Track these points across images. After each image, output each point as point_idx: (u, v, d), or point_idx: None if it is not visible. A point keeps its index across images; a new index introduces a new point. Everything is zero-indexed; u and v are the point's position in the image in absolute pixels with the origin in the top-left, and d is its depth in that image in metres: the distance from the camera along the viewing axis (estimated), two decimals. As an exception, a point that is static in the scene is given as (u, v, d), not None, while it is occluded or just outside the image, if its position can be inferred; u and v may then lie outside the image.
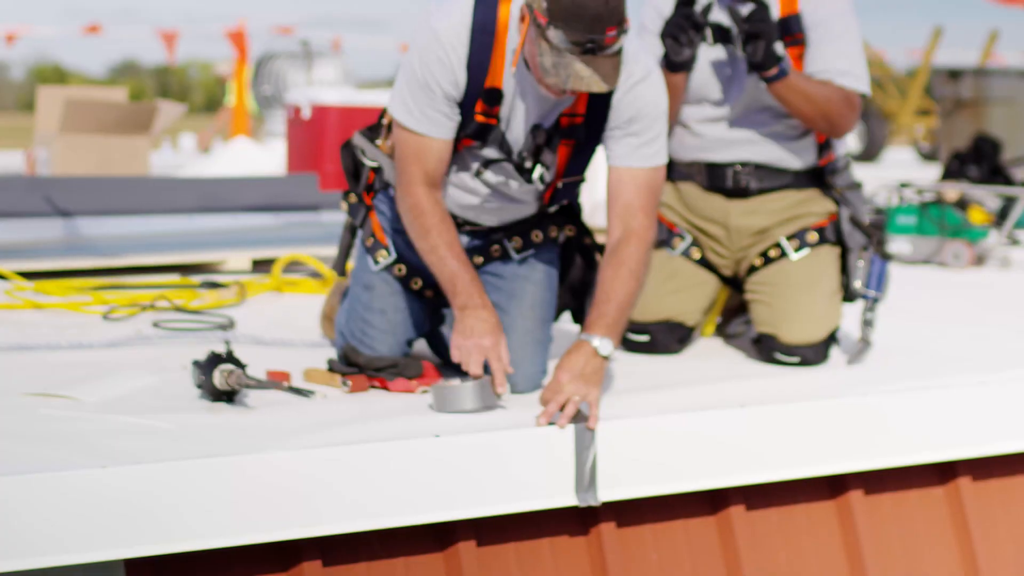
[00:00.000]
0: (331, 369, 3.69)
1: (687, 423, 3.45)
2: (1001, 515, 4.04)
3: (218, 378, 3.35)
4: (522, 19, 3.30)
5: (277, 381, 3.46)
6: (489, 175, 3.58)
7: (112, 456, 2.88)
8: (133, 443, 3.00)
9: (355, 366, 3.67)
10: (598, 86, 3.22)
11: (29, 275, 5.30)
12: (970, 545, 3.94)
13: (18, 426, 3.14)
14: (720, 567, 3.60)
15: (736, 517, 3.60)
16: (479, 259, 3.73)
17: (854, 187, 4.26)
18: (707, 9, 4.04)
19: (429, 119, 3.42)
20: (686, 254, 4.29)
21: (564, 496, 3.26)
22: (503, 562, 3.32)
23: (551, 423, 3.25)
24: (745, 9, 3.99)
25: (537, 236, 3.73)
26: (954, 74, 10.78)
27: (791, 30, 4.10)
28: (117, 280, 5.35)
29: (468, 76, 3.39)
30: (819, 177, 4.24)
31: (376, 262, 3.70)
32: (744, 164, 4.21)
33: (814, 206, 4.23)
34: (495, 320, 3.39)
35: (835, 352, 4.21)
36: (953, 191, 7.46)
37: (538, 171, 3.55)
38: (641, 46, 3.49)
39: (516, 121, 3.50)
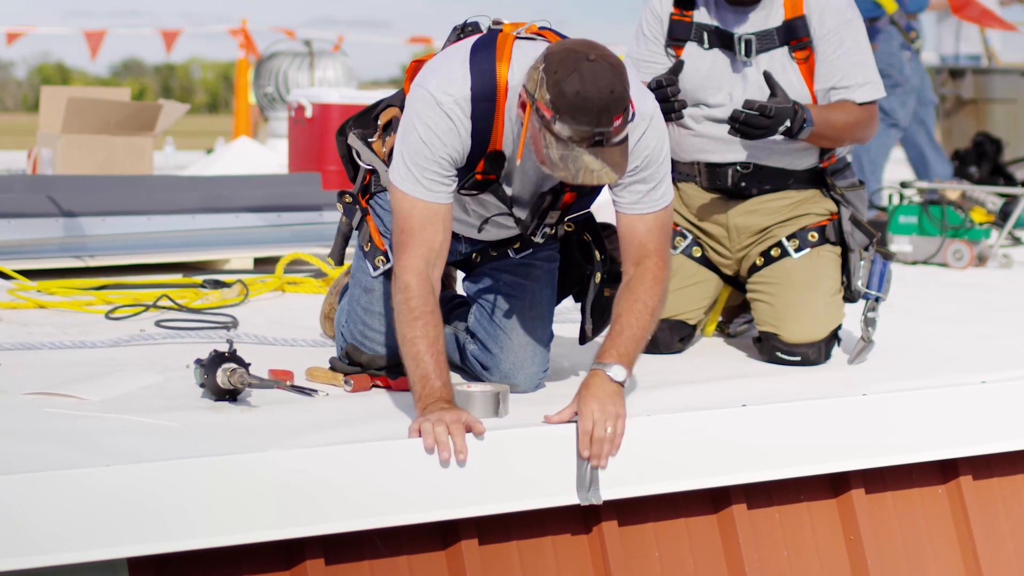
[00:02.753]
0: (333, 368, 3.70)
1: (689, 422, 3.46)
2: (1002, 513, 4.04)
3: (221, 377, 3.36)
4: (522, 106, 3.21)
5: (280, 380, 3.46)
6: (490, 228, 3.59)
7: (115, 455, 2.89)
8: (136, 442, 3.01)
9: (357, 365, 3.67)
10: (609, 177, 3.14)
11: (32, 274, 5.31)
12: (971, 543, 3.94)
13: (21, 425, 3.15)
14: (722, 565, 3.60)
15: (738, 515, 3.60)
16: (477, 257, 3.73)
17: (855, 187, 4.27)
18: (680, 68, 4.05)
19: (438, 184, 3.31)
20: (687, 253, 4.30)
21: (566, 495, 3.26)
22: (506, 560, 3.33)
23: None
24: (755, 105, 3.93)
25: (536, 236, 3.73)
26: (955, 73, 10.76)
27: (797, 34, 4.10)
28: (120, 279, 5.36)
29: (472, 142, 3.33)
30: (820, 178, 4.25)
31: (375, 267, 3.67)
32: (744, 165, 4.21)
33: (814, 206, 4.24)
34: (458, 410, 3.19)
35: (837, 351, 4.21)
36: (954, 190, 7.47)
37: (541, 231, 3.58)
38: (641, 92, 3.39)
39: (516, 180, 3.47)
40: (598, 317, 3.73)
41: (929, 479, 3.95)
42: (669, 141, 3.45)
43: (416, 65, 3.55)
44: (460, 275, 4.06)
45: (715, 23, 4.15)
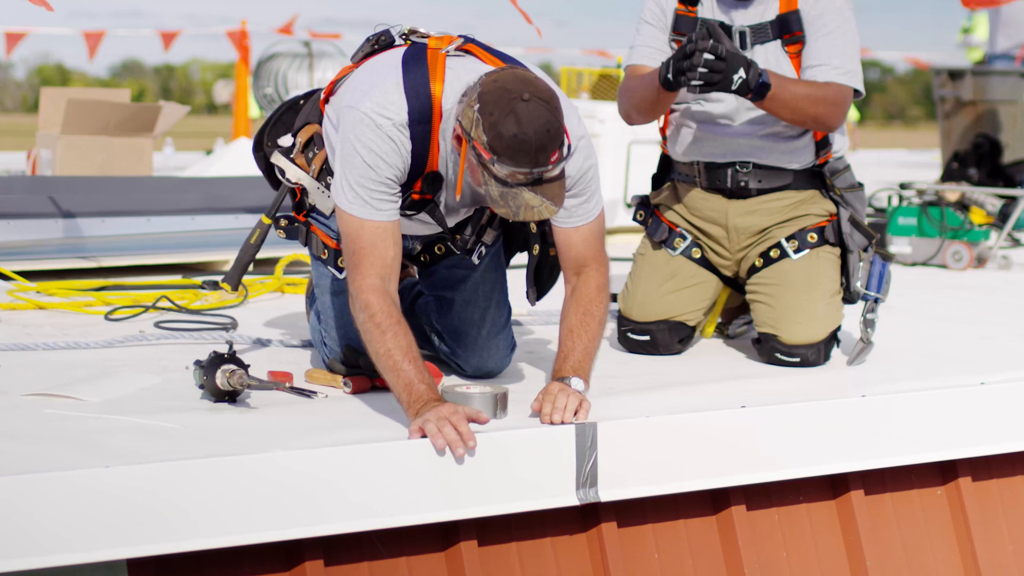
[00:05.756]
0: (332, 369, 3.70)
1: (688, 423, 3.46)
2: (1001, 515, 4.05)
3: (220, 378, 3.36)
4: (457, 139, 3.23)
5: (279, 381, 3.47)
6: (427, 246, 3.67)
7: (115, 456, 2.89)
8: (135, 443, 3.01)
9: (356, 367, 3.67)
10: (549, 211, 3.18)
11: (32, 275, 5.31)
12: (970, 544, 3.94)
13: (21, 426, 3.15)
14: (721, 567, 3.60)
15: (737, 517, 3.60)
16: (425, 257, 3.79)
17: (854, 188, 4.27)
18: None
19: (386, 203, 3.33)
20: (686, 254, 4.30)
21: (566, 496, 3.26)
22: (505, 561, 3.33)
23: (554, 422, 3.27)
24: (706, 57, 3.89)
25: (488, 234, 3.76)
26: (954, 74, 10.77)
27: (790, 28, 4.11)
28: (119, 280, 5.36)
29: (411, 163, 3.35)
30: (819, 177, 4.25)
31: (340, 270, 3.65)
32: (743, 164, 4.22)
33: (813, 207, 4.24)
34: (452, 404, 3.21)
35: (836, 352, 4.22)
36: (953, 192, 7.47)
37: (479, 248, 3.66)
38: (569, 113, 3.34)
39: (452, 198, 3.50)
40: (544, 280, 3.77)
41: (928, 480, 3.95)
42: (597, 157, 3.49)
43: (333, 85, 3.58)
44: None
45: (717, 18, 4.16)
